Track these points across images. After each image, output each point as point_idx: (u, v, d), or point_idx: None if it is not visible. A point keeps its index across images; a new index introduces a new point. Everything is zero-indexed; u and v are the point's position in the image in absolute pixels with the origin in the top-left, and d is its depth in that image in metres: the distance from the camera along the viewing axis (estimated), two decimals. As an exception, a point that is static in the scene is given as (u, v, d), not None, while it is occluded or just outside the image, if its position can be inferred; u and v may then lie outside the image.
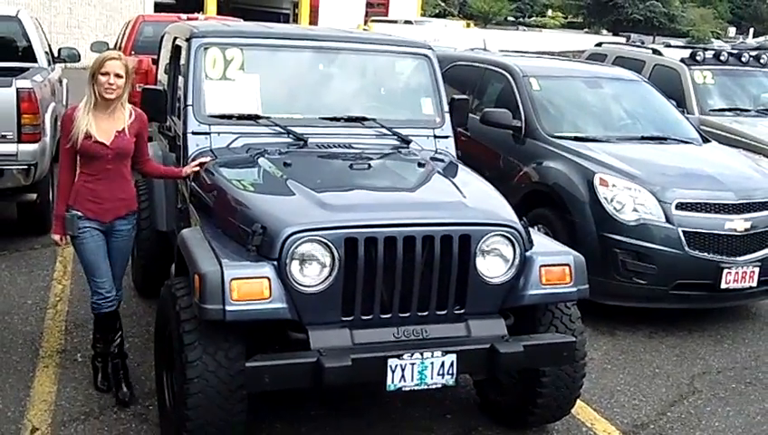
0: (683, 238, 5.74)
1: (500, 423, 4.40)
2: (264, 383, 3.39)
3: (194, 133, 4.57)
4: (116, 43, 12.61)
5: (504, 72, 7.34)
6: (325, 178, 4.18)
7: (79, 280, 5.90)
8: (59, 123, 4.22)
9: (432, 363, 3.58)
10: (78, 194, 4.23)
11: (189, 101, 4.61)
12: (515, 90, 7.06)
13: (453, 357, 3.61)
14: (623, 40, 12.74)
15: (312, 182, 3.96)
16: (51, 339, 5.14)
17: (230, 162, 4.34)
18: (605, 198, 5.85)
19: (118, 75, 4.13)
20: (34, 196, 6.81)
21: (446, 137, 5.06)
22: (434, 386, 3.61)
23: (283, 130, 4.64)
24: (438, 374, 3.60)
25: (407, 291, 3.66)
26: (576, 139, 6.57)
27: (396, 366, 3.52)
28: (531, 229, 4.36)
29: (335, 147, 4.64)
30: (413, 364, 3.55)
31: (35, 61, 8.19)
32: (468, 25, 43.50)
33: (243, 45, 4.79)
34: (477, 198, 4.11)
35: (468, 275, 3.73)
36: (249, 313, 3.40)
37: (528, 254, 3.87)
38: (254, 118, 4.66)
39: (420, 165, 4.46)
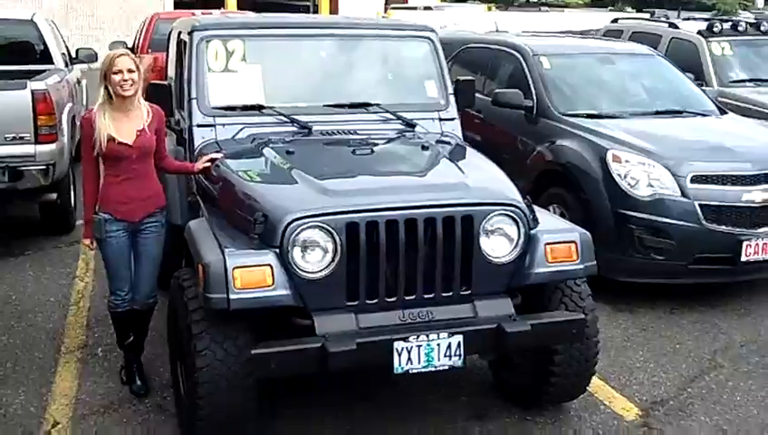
0: (699, 212, 5.67)
1: (515, 404, 4.39)
2: (270, 370, 3.42)
3: (199, 126, 4.61)
4: (134, 42, 12.72)
5: (514, 52, 7.30)
6: (327, 164, 4.19)
7: (100, 277, 5.95)
8: (77, 125, 4.22)
9: (438, 345, 3.59)
10: (106, 196, 4.23)
11: (193, 94, 4.65)
12: (526, 69, 7.02)
13: (459, 338, 3.61)
14: (646, 16, 12.55)
15: (315, 169, 3.97)
16: (72, 335, 5.23)
17: (234, 153, 4.37)
18: (618, 175, 5.80)
19: (130, 70, 4.11)
20: (54, 196, 6.91)
21: (452, 119, 5.05)
22: (441, 368, 3.62)
23: (287, 120, 4.66)
24: (446, 356, 3.60)
25: (411, 274, 3.66)
26: (589, 116, 6.51)
27: (402, 349, 3.54)
28: (535, 208, 4.37)
29: (339, 133, 4.65)
30: (419, 346, 3.56)
31: (52, 63, 8.30)
32: (489, 9, 43.18)
33: (244, 36, 4.81)
34: (480, 178, 4.10)
35: (473, 256, 3.72)
36: (253, 300, 3.43)
37: (533, 232, 3.86)
38: (257, 108, 4.69)
39: (424, 148, 4.45)
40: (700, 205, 5.67)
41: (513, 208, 3.80)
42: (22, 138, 6.45)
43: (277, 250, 3.50)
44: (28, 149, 6.48)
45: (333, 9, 43.46)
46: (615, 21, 11.11)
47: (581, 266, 3.89)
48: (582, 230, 4.03)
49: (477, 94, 7.45)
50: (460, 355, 3.62)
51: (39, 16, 8.50)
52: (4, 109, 6.43)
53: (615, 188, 5.80)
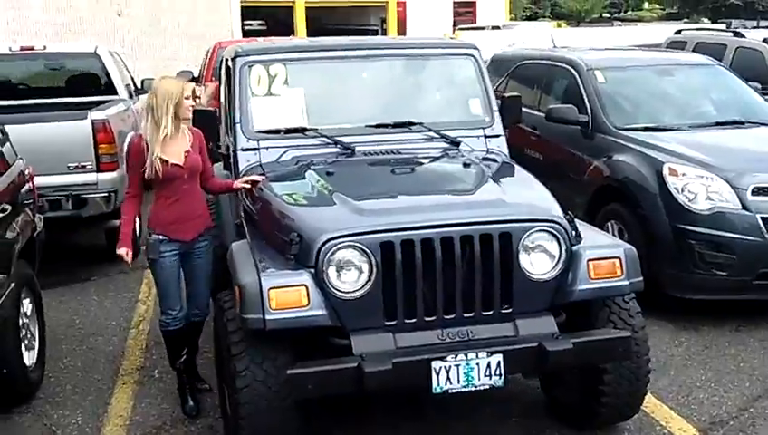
0: (762, 225, 5.46)
1: (569, 425, 4.28)
2: (306, 390, 3.42)
3: (243, 150, 4.67)
4: (199, 71, 13.04)
5: (568, 66, 7.20)
6: (366, 184, 4.20)
7: (161, 300, 6.11)
8: (125, 153, 4.35)
9: (478, 364, 3.53)
10: (158, 218, 4.34)
11: (237, 119, 4.72)
12: (580, 84, 6.91)
13: (499, 357, 3.55)
14: (714, 26, 12.24)
15: (353, 190, 3.98)
16: (131, 357, 5.35)
17: (276, 176, 4.41)
18: (675, 188, 5.64)
19: (194, 95, 4.26)
20: (118, 222, 7.08)
21: (497, 136, 4.99)
22: (482, 387, 3.56)
23: (330, 141, 4.68)
24: (486, 375, 3.54)
25: (449, 292, 3.62)
26: (645, 129, 6.37)
27: (440, 368, 3.49)
28: (582, 224, 4.29)
29: (382, 153, 4.65)
30: (458, 366, 3.51)
31: (116, 93, 8.56)
32: (559, 25, 42.82)
33: (285, 60, 4.87)
34: (521, 194, 4.05)
35: (512, 274, 3.67)
36: (288, 321, 3.44)
37: (575, 248, 3.77)
38: (300, 130, 4.73)
39: (466, 165, 4.42)
40: (762, 218, 5.47)
41: (553, 224, 3.73)
42: (84, 166, 6.67)
43: (312, 270, 3.51)
44: (90, 177, 6.70)
45: (401, 33, 43.77)
46: (678, 32, 10.85)
47: (627, 283, 3.79)
48: (628, 246, 3.92)
49: (533, 111, 7.47)
50: (501, 374, 3.55)
51: (102, 49, 8.78)
52: (67, 139, 6.67)
53: (672, 202, 5.64)
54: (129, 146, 4.43)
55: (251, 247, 3.94)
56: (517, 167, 4.66)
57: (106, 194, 6.77)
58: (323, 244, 3.52)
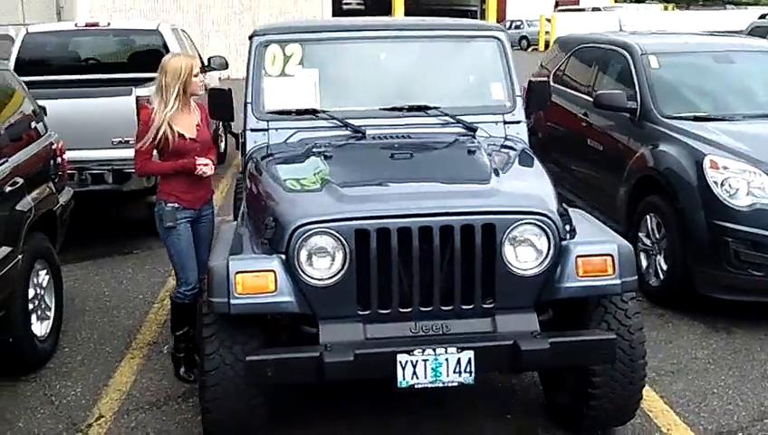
0: (806, 225, 5.09)
1: (561, 427, 4.10)
2: (266, 377, 3.38)
3: (252, 130, 4.64)
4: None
5: (622, 50, 6.85)
6: (360, 170, 4.11)
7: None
8: (143, 126, 4.43)
9: (447, 360, 3.41)
10: (171, 187, 4.45)
11: (249, 99, 4.69)
12: (632, 69, 6.57)
13: (470, 354, 3.41)
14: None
15: (344, 175, 3.90)
16: (146, 332, 5.43)
17: (277, 158, 4.36)
18: (714, 182, 5.31)
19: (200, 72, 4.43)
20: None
21: (518, 122, 4.80)
22: (451, 384, 3.44)
23: (341, 123, 4.60)
24: (455, 372, 3.42)
25: (427, 284, 3.50)
26: (695, 119, 6.01)
27: (406, 362, 3.39)
28: (589, 218, 4.11)
29: (393, 138, 4.53)
30: (425, 360, 3.40)
31: (176, 70, 8.67)
32: (666, 8, 41.25)
33: (302, 41, 4.80)
34: (516, 186, 3.87)
35: (495, 267, 3.51)
36: (254, 306, 3.40)
37: (565, 244, 3.58)
38: (311, 112, 4.66)
39: (470, 152, 4.25)
40: (807, 218, 5.09)
41: (541, 217, 3.55)
42: (127, 142, 6.76)
43: (283, 256, 3.45)
44: (132, 152, 6.78)
45: (501, 13, 43.16)
46: (763, 17, 10.21)
47: (618, 282, 3.56)
48: (623, 242, 3.70)
49: (584, 95, 7.19)
50: (471, 372, 3.42)
51: (164, 26, 8.90)
52: (112, 114, 6.81)
53: (710, 196, 5.31)
54: (142, 111, 4.49)
55: (236, 229, 3.92)
56: (528, 155, 4.46)
57: (147, 169, 6.86)
58: (295, 229, 3.45)
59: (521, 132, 4.80)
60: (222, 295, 3.39)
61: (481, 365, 3.43)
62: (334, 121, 4.62)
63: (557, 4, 42.97)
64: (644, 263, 5.89)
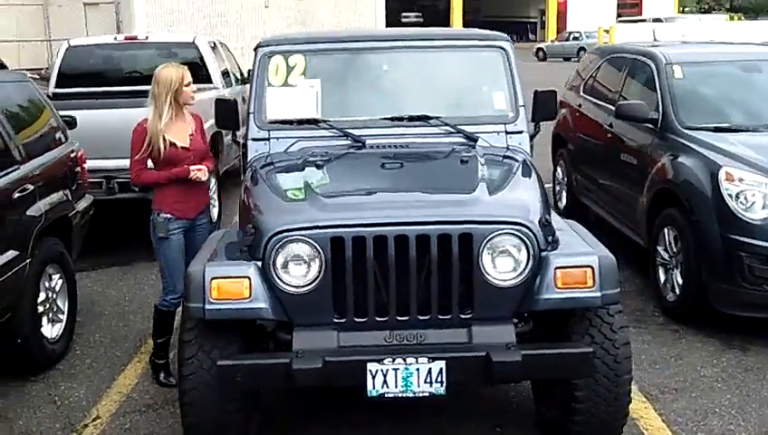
0: (824, 240, 4.92)
1: (552, 440, 4.05)
2: (236, 383, 3.42)
3: (254, 139, 4.70)
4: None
5: (647, 60, 6.74)
6: (348, 179, 4.14)
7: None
8: (138, 136, 4.54)
9: (418, 370, 3.40)
10: (165, 197, 4.55)
11: (252, 109, 4.76)
12: (656, 79, 6.45)
13: (441, 364, 3.39)
14: None
15: (332, 184, 3.94)
16: (158, 337, 5.52)
17: (273, 167, 4.40)
18: (729, 195, 5.17)
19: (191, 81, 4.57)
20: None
21: (519, 132, 4.75)
22: (421, 394, 3.42)
23: (341, 133, 4.63)
24: (426, 382, 3.40)
25: (403, 293, 3.50)
26: (716, 129, 5.87)
27: (377, 371, 3.39)
28: (578, 228, 4.05)
29: (392, 147, 4.54)
30: (396, 370, 3.39)
31: (211, 82, 8.87)
32: (731, 18, 40.29)
33: (305, 51, 4.84)
34: (502, 196, 3.82)
35: (473, 277, 3.49)
36: (228, 312, 3.45)
37: (544, 254, 3.54)
38: (312, 122, 4.70)
39: (463, 162, 4.23)
40: (825, 233, 4.92)
41: (519, 228, 3.51)
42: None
43: (259, 263, 3.49)
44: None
45: (561, 25, 42.75)
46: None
47: (598, 295, 3.50)
48: (606, 254, 3.63)
49: (607, 104, 7.10)
50: (442, 382, 3.40)
51: (200, 38, 9.11)
52: (138, 124, 6.95)
53: (725, 209, 5.18)
54: (136, 129, 4.58)
55: (224, 236, 3.99)
56: (526, 166, 4.40)
57: (173, 179, 7.01)
58: (271, 237, 3.49)
59: (522, 142, 4.75)
60: (198, 301, 3.45)
61: (453, 376, 3.41)
62: (335, 131, 4.66)
63: (619, 15, 42.41)
64: (662, 277, 5.78)
